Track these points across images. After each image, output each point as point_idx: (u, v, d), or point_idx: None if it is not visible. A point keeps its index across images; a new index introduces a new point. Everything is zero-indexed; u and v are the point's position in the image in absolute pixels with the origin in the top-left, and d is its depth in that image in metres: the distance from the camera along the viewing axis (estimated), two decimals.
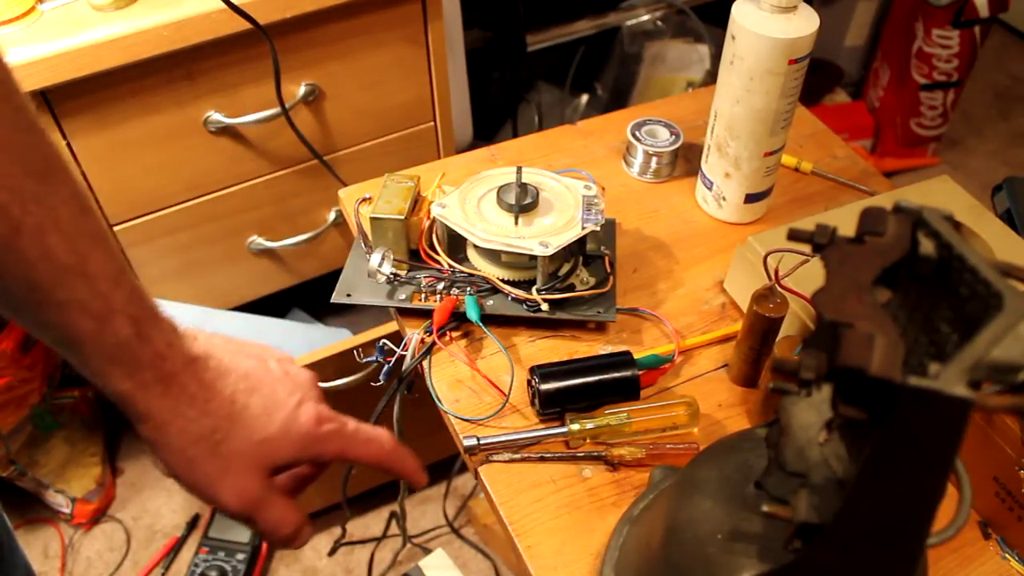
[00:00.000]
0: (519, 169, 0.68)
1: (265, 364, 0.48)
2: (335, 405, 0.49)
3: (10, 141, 0.35)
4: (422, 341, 0.67)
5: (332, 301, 0.69)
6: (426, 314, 0.68)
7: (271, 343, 1.26)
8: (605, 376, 0.62)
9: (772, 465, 0.41)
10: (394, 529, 1.32)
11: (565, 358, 0.66)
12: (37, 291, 0.37)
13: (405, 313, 0.70)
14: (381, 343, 0.67)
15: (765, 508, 0.38)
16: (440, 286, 0.69)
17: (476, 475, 0.61)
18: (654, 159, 0.83)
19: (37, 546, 1.37)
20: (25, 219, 0.35)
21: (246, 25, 0.89)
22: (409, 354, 0.66)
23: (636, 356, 0.64)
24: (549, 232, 0.66)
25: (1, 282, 0.37)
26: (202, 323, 1.07)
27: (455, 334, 0.69)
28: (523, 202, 0.67)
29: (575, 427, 0.61)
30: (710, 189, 0.79)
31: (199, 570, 1.28)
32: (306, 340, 1.17)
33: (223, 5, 0.87)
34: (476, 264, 0.70)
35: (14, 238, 0.35)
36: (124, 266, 0.40)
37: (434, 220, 0.69)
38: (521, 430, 0.62)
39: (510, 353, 0.67)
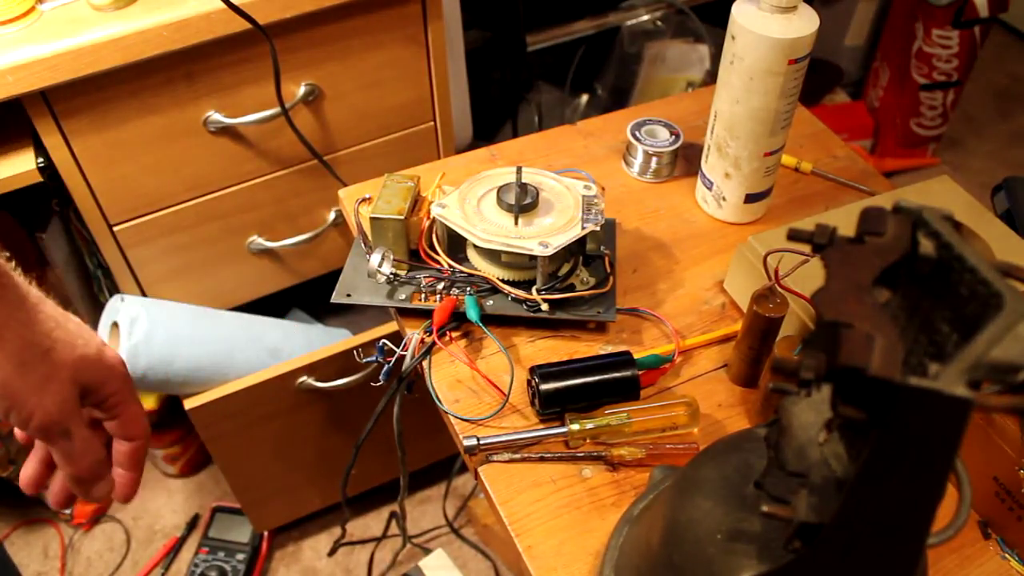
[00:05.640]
0: (519, 169, 0.68)
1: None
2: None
3: None
4: (422, 341, 0.67)
5: (332, 301, 0.69)
6: (426, 314, 0.68)
7: (271, 343, 1.25)
8: (605, 376, 0.62)
9: (772, 465, 0.41)
10: (394, 529, 1.32)
11: (565, 358, 0.66)
12: None
13: (405, 313, 0.70)
14: (381, 343, 0.67)
15: (765, 508, 0.38)
16: (440, 286, 0.69)
17: (476, 475, 0.61)
18: (654, 159, 0.83)
19: (37, 546, 1.37)
20: None
21: (246, 25, 0.89)
22: (409, 354, 0.66)
23: (636, 356, 0.64)
24: (549, 232, 0.66)
25: None
26: (202, 323, 1.07)
27: (455, 334, 0.69)
28: (523, 202, 0.67)
29: (575, 427, 0.61)
30: (710, 189, 0.79)
31: (199, 570, 1.28)
32: (306, 340, 1.17)
33: (223, 5, 0.87)
34: (476, 264, 0.70)
35: None
36: None
37: (434, 220, 0.69)
38: (521, 430, 0.62)
39: (510, 353, 0.67)
